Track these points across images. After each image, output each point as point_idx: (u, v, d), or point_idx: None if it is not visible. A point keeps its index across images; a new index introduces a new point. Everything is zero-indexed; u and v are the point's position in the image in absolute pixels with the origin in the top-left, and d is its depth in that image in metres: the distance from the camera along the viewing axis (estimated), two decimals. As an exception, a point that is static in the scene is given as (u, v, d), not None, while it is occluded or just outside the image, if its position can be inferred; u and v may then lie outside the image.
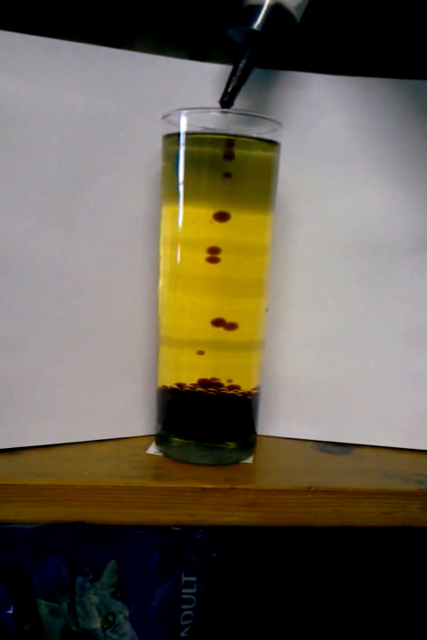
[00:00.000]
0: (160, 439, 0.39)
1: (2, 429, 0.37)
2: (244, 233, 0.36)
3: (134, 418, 0.41)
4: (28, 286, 0.37)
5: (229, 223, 0.35)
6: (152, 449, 0.39)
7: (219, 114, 0.36)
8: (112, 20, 0.47)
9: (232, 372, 0.37)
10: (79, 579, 0.47)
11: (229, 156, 0.35)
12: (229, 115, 0.36)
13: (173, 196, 0.36)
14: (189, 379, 0.37)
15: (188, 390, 0.37)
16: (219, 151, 0.35)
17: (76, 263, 0.38)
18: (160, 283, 0.38)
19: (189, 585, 0.48)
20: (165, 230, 0.37)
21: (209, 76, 0.39)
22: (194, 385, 0.36)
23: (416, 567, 0.53)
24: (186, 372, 0.37)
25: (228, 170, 0.35)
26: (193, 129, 0.35)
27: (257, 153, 0.36)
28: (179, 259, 0.36)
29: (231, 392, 0.37)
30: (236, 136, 0.35)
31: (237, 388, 0.37)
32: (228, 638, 0.50)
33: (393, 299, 0.41)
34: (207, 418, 0.37)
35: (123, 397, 0.40)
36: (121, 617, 0.48)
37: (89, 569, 0.47)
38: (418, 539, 0.52)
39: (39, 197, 0.37)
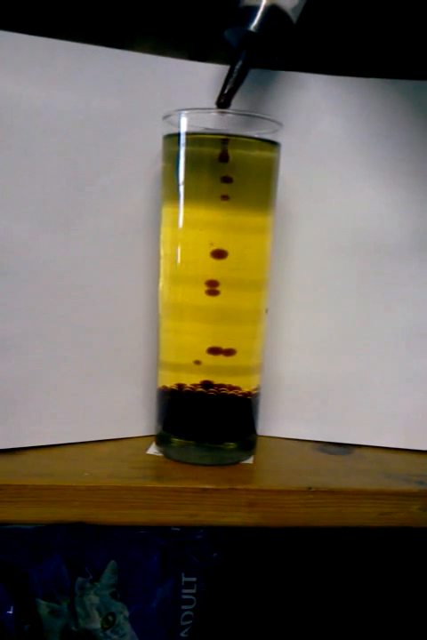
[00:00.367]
0: (160, 439, 0.39)
1: (2, 430, 0.37)
2: (244, 233, 0.36)
3: (134, 418, 0.41)
4: (28, 286, 0.37)
5: (229, 224, 0.35)
6: (152, 449, 0.39)
7: (219, 114, 0.36)
8: (113, 21, 0.47)
9: (232, 371, 0.37)
10: (79, 579, 0.47)
11: (223, 157, 0.34)
12: (230, 115, 0.36)
13: (174, 196, 0.36)
14: (190, 379, 0.37)
15: (188, 391, 0.37)
16: (221, 151, 0.35)
17: (77, 263, 0.38)
18: (160, 283, 0.38)
19: (189, 585, 0.48)
20: (166, 230, 0.37)
21: (209, 77, 0.39)
22: (194, 385, 0.36)
23: (416, 568, 0.53)
24: (186, 372, 0.37)
25: (228, 170, 0.35)
26: (193, 129, 0.35)
27: (257, 153, 0.36)
28: (179, 259, 0.36)
29: (231, 392, 0.37)
30: (236, 136, 0.35)
31: (238, 388, 0.37)
32: (228, 638, 0.50)
33: (393, 299, 0.41)
34: (207, 418, 0.37)
35: (123, 398, 0.40)
36: (121, 617, 0.48)
37: (89, 569, 0.47)
38: (418, 539, 0.52)
39: (39, 198, 0.37)
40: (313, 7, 0.37)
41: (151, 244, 0.39)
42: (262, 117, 0.36)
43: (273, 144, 0.36)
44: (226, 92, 0.35)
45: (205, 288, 0.35)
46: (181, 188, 0.35)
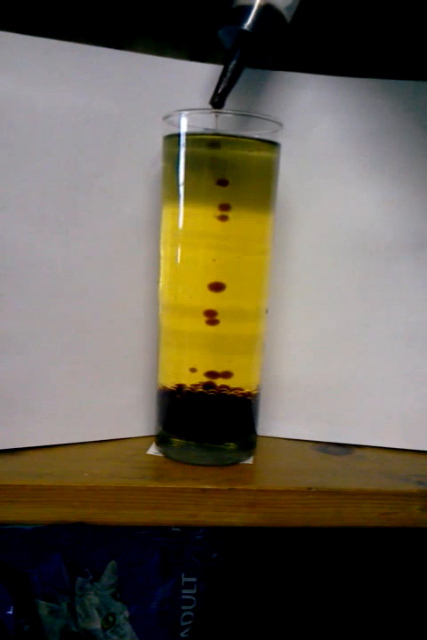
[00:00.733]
0: (160, 440, 0.39)
1: (2, 430, 0.37)
2: (244, 233, 0.36)
3: (135, 418, 0.41)
4: (28, 287, 0.37)
5: (229, 224, 0.35)
6: (152, 449, 0.39)
7: (219, 115, 0.36)
8: (113, 21, 0.47)
9: (232, 372, 0.37)
10: (79, 579, 0.47)
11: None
12: (230, 116, 0.36)
13: (174, 196, 0.36)
14: (190, 379, 0.37)
15: (188, 391, 0.37)
16: (220, 152, 0.35)
17: (77, 264, 0.38)
18: (160, 283, 0.38)
19: (189, 586, 0.48)
20: (166, 231, 0.37)
21: (209, 77, 0.39)
22: (194, 386, 0.36)
23: (416, 568, 0.53)
24: (186, 372, 0.37)
25: (228, 171, 0.35)
26: (193, 130, 0.35)
27: (257, 154, 0.36)
28: (179, 259, 0.36)
29: (231, 393, 0.37)
30: (236, 137, 0.35)
31: (238, 388, 0.37)
32: (228, 639, 0.50)
33: (393, 299, 0.41)
34: (208, 418, 0.37)
35: (123, 398, 0.41)
36: (121, 618, 0.48)
37: (89, 569, 0.47)
38: (418, 539, 0.52)
39: (40, 198, 0.37)
40: (312, 7, 0.37)
41: (151, 244, 0.39)
42: (262, 118, 0.36)
43: (273, 144, 0.36)
44: (220, 91, 0.35)
45: (206, 288, 0.36)
46: (182, 189, 0.35)
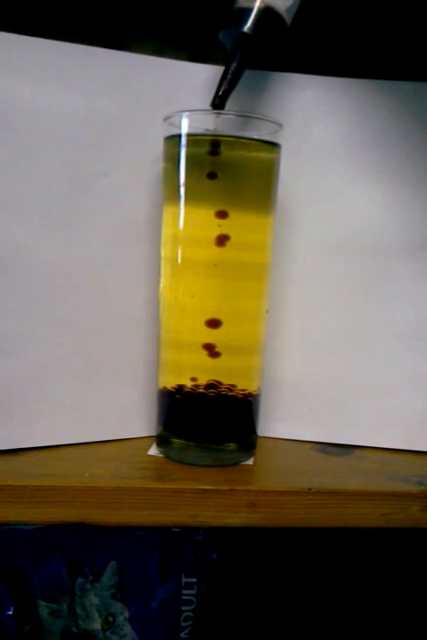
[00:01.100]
0: (161, 440, 0.39)
1: (3, 430, 0.37)
2: (244, 234, 0.36)
3: (135, 419, 0.41)
4: (29, 288, 0.37)
5: (229, 224, 0.35)
6: (153, 450, 0.39)
7: (219, 116, 0.36)
8: (113, 22, 0.47)
9: (233, 373, 0.37)
10: (79, 580, 0.47)
11: (214, 154, 0.35)
12: (230, 116, 0.36)
13: (174, 197, 0.36)
14: (190, 380, 0.37)
15: (188, 391, 0.37)
16: (220, 153, 0.35)
17: (78, 264, 0.38)
18: (161, 284, 0.38)
19: (189, 586, 0.48)
20: (166, 231, 0.37)
21: (210, 78, 0.39)
22: (195, 386, 0.36)
23: (417, 568, 0.53)
24: (187, 372, 0.37)
25: (229, 172, 0.35)
26: (194, 131, 0.35)
27: (257, 155, 0.36)
28: (180, 260, 0.36)
29: (232, 393, 0.37)
30: (236, 137, 0.35)
31: (238, 389, 0.37)
32: (228, 639, 0.50)
33: (393, 300, 0.41)
34: (208, 419, 0.37)
35: (124, 399, 0.41)
36: (121, 618, 0.48)
37: (89, 570, 0.47)
38: (418, 540, 0.52)
39: (40, 199, 0.37)
40: (312, 8, 0.37)
41: (152, 244, 0.39)
42: (262, 119, 0.36)
43: (273, 145, 0.36)
44: (221, 93, 0.35)
45: (207, 289, 0.36)
46: (182, 189, 0.35)
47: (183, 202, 0.35)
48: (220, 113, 0.36)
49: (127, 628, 0.48)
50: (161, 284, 0.38)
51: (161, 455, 0.39)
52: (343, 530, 0.36)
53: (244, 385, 0.37)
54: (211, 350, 0.36)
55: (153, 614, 0.48)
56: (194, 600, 0.48)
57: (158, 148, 0.37)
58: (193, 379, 0.36)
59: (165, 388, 0.38)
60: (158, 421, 0.39)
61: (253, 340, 0.38)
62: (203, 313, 0.36)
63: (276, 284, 0.40)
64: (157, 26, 0.48)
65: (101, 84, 0.38)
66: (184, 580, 0.48)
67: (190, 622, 0.49)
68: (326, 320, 0.42)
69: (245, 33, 0.35)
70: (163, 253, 0.38)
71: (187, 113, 0.35)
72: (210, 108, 0.36)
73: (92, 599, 0.47)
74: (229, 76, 0.35)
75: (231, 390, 0.37)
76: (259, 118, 0.36)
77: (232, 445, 0.38)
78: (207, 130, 0.35)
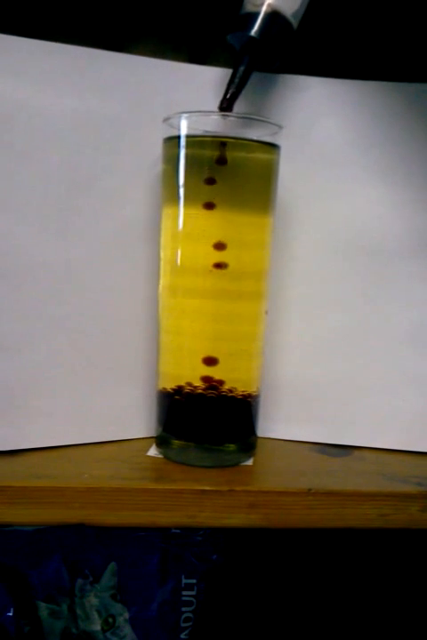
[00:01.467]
0: (160, 441, 0.39)
1: (2, 431, 0.37)
2: (244, 235, 0.36)
3: (134, 420, 0.41)
4: (29, 288, 0.37)
5: (229, 225, 0.35)
6: (152, 451, 0.39)
7: (219, 117, 0.36)
8: (113, 24, 0.47)
9: (232, 374, 0.37)
10: (79, 581, 0.47)
11: (221, 160, 0.35)
12: (230, 118, 0.36)
13: (174, 198, 0.36)
14: (190, 381, 0.37)
15: (188, 392, 0.37)
16: (219, 154, 0.35)
17: (77, 265, 0.38)
18: (160, 285, 0.38)
19: (189, 587, 0.48)
20: (166, 232, 0.37)
21: (209, 80, 0.39)
22: (194, 387, 0.36)
23: (416, 569, 0.53)
24: (186, 373, 0.37)
25: (229, 173, 0.35)
26: (193, 132, 0.35)
27: (257, 156, 0.36)
28: (179, 261, 0.36)
29: (231, 394, 0.37)
30: (236, 139, 0.35)
31: (238, 390, 0.37)
32: (228, 640, 0.50)
33: (393, 301, 0.41)
34: (207, 420, 0.37)
35: (123, 399, 0.41)
36: (121, 619, 0.48)
37: (89, 571, 0.47)
38: (418, 541, 0.52)
39: (40, 200, 0.37)
40: (313, 9, 0.37)
41: (151, 246, 0.39)
42: (262, 120, 0.36)
43: (273, 146, 0.37)
44: (228, 96, 0.36)
45: (206, 290, 0.36)
46: (181, 191, 0.35)
47: (183, 203, 0.35)
48: (219, 114, 0.36)
49: (127, 629, 0.48)
50: (160, 285, 0.38)
51: (160, 456, 0.39)
52: (343, 530, 0.36)
53: (243, 386, 0.37)
54: (210, 351, 0.36)
55: (153, 615, 0.48)
56: (194, 601, 0.48)
57: (158, 149, 0.37)
58: (192, 379, 0.36)
59: (164, 388, 0.38)
60: (158, 422, 0.39)
61: (253, 340, 0.38)
62: (202, 313, 0.36)
63: (276, 285, 0.40)
64: (156, 27, 0.48)
65: (101, 86, 0.38)
66: (184, 580, 0.48)
67: (190, 623, 0.49)
68: (326, 321, 0.42)
69: (252, 37, 0.35)
70: (162, 254, 0.38)
71: (186, 114, 0.35)
72: (212, 109, 0.36)
73: (92, 600, 0.47)
74: (236, 80, 0.36)
75: (231, 391, 0.37)
76: (259, 120, 0.36)
77: (232, 446, 0.38)
78: (207, 131, 0.35)
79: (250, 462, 0.38)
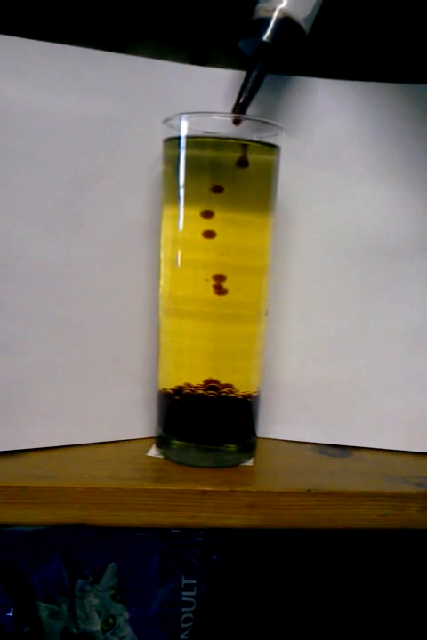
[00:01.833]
0: (160, 441, 0.39)
1: (3, 431, 0.37)
2: (244, 236, 0.36)
3: (135, 420, 0.41)
4: (29, 289, 0.37)
5: (229, 226, 0.35)
6: (152, 451, 0.39)
7: (219, 118, 0.36)
8: (113, 25, 0.47)
9: (233, 374, 0.37)
10: (79, 581, 0.47)
11: (242, 162, 0.35)
12: (230, 119, 0.36)
13: (174, 199, 0.36)
14: (190, 381, 0.37)
15: (188, 393, 0.37)
16: (220, 155, 0.35)
17: (77, 266, 0.39)
18: (161, 286, 0.38)
19: (189, 588, 0.48)
20: (166, 233, 0.37)
21: (210, 80, 0.39)
22: (194, 388, 0.36)
23: (416, 569, 0.53)
24: (186, 374, 0.37)
25: (229, 174, 0.35)
26: (194, 133, 0.35)
27: (258, 157, 0.36)
28: (179, 262, 0.36)
29: (231, 395, 0.37)
30: (236, 140, 0.35)
31: (238, 390, 0.37)
32: (228, 641, 0.50)
33: (393, 302, 0.41)
34: (208, 420, 0.37)
35: (123, 400, 0.41)
36: (121, 619, 0.48)
37: (89, 571, 0.47)
38: (417, 541, 0.52)
39: (40, 201, 0.37)
40: (313, 23, 0.37)
41: (152, 246, 0.39)
42: (263, 121, 0.36)
43: (273, 147, 0.37)
44: (241, 101, 0.36)
45: (207, 291, 0.36)
46: (182, 191, 0.35)
47: (183, 204, 0.36)
48: (220, 115, 0.36)
49: (127, 630, 0.48)
50: (161, 286, 0.38)
51: (161, 456, 0.39)
52: (342, 530, 0.36)
53: (244, 386, 0.37)
54: (211, 351, 0.36)
55: (153, 616, 0.48)
56: (194, 601, 0.48)
57: (158, 150, 0.37)
58: (193, 380, 0.36)
59: (164, 389, 0.38)
60: (158, 422, 0.39)
61: (253, 341, 0.38)
62: (202, 314, 0.36)
63: (276, 285, 0.40)
64: (157, 28, 0.48)
65: (101, 87, 0.38)
66: (184, 581, 0.48)
67: (190, 624, 0.49)
68: (326, 322, 0.42)
69: (264, 42, 0.36)
70: (162, 255, 0.38)
71: (186, 115, 0.35)
72: (211, 107, 0.36)
73: (92, 600, 0.47)
74: (249, 84, 0.36)
75: (231, 392, 0.37)
76: (259, 121, 0.36)
77: (232, 446, 0.38)
78: (207, 132, 0.35)
79: (250, 463, 0.38)
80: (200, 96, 0.39)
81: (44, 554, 0.47)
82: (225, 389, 0.37)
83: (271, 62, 0.37)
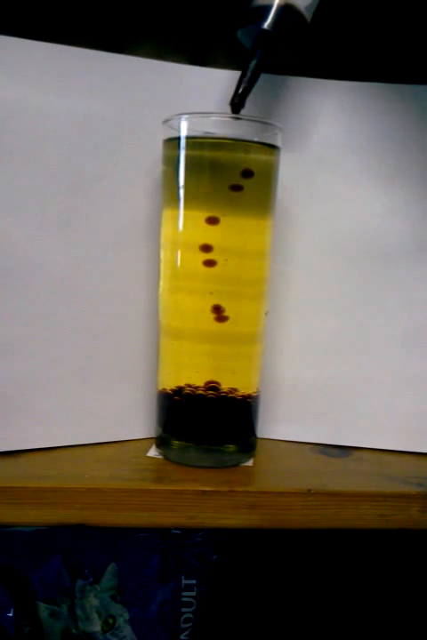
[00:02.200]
0: (160, 442, 0.39)
1: (3, 432, 0.37)
2: (244, 237, 0.36)
3: (134, 421, 0.41)
4: (29, 290, 0.37)
5: (229, 226, 0.35)
6: (152, 452, 0.39)
7: (219, 118, 0.36)
8: (113, 25, 0.47)
9: (232, 375, 0.37)
10: (79, 581, 0.47)
11: (247, 173, 0.35)
12: (230, 119, 0.36)
13: (174, 199, 0.36)
14: (189, 382, 0.37)
15: (188, 393, 0.37)
16: (219, 155, 0.35)
17: (77, 267, 0.39)
18: (160, 286, 0.38)
19: (189, 588, 0.48)
20: (166, 234, 0.37)
21: (210, 81, 0.39)
22: (194, 388, 0.37)
23: (416, 569, 0.53)
24: (186, 374, 0.37)
25: (228, 174, 0.35)
26: (193, 133, 0.35)
27: (257, 157, 0.37)
28: (179, 262, 0.36)
29: (231, 395, 0.37)
30: (236, 140, 0.35)
31: (238, 391, 0.37)
32: (228, 641, 0.50)
33: (392, 302, 0.41)
34: (207, 420, 0.37)
35: (123, 400, 0.41)
36: (121, 620, 0.48)
37: (89, 572, 0.47)
38: (417, 541, 0.52)
39: (40, 201, 0.37)
40: (315, 11, 0.37)
41: (151, 247, 0.39)
42: (262, 122, 0.36)
43: (273, 148, 0.37)
44: (240, 92, 0.35)
45: (206, 292, 0.36)
46: (181, 192, 0.35)
47: (183, 204, 0.36)
48: (220, 116, 0.36)
49: (127, 630, 0.48)
50: (160, 287, 0.38)
51: (160, 456, 0.39)
52: (342, 531, 0.36)
53: (243, 387, 0.37)
54: (210, 352, 0.36)
55: (153, 616, 0.48)
56: (194, 602, 0.48)
57: (158, 150, 0.37)
58: (192, 380, 0.36)
59: (164, 389, 0.38)
60: (158, 423, 0.39)
61: (253, 341, 0.38)
62: (202, 314, 0.36)
63: (276, 286, 0.40)
64: (157, 29, 0.48)
65: (101, 87, 0.38)
66: (184, 581, 0.48)
67: (190, 624, 0.49)
68: (326, 322, 0.42)
69: (265, 30, 0.34)
70: (162, 256, 0.38)
71: (186, 116, 0.35)
72: (211, 108, 0.36)
73: (92, 601, 0.47)
74: (248, 74, 0.34)
75: (231, 392, 0.37)
76: (259, 121, 0.36)
77: (232, 447, 0.38)
78: (207, 132, 0.35)
79: (250, 463, 0.38)
80: (200, 96, 0.39)
81: (44, 554, 0.47)
82: (225, 390, 0.37)
83: (271, 52, 0.35)
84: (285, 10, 0.34)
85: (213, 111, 0.36)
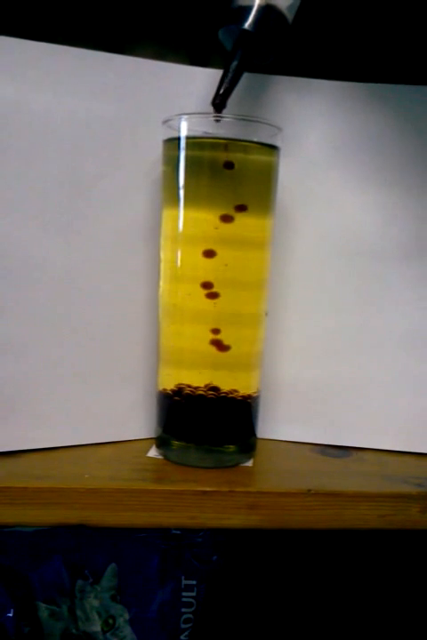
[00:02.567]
0: (160, 442, 0.39)
1: (3, 432, 0.37)
2: (244, 237, 0.36)
3: (135, 421, 0.41)
4: (29, 290, 0.37)
5: (229, 227, 0.35)
6: (152, 452, 0.39)
7: (219, 119, 0.36)
8: (113, 26, 0.47)
9: (232, 376, 0.37)
10: (79, 582, 0.47)
11: (228, 165, 0.35)
12: (229, 119, 0.36)
13: (174, 199, 0.36)
14: (190, 382, 0.37)
15: (188, 394, 0.37)
16: (219, 155, 0.35)
17: (77, 267, 0.39)
18: (160, 286, 0.38)
19: (189, 588, 0.48)
20: (166, 234, 0.37)
21: (210, 82, 0.39)
22: (194, 388, 0.37)
23: (416, 570, 0.53)
24: (186, 375, 0.37)
25: (228, 174, 0.35)
26: (193, 133, 0.35)
27: (257, 157, 0.37)
28: (179, 262, 0.36)
29: (231, 395, 0.37)
30: (236, 140, 0.35)
31: (238, 391, 0.37)
32: (228, 641, 0.50)
33: (392, 303, 0.41)
34: (207, 421, 0.37)
35: (123, 400, 0.41)
36: (121, 620, 0.48)
37: (89, 572, 0.47)
38: (417, 541, 0.52)
39: (40, 202, 0.37)
40: (312, 12, 0.37)
41: (151, 247, 0.39)
42: (262, 122, 0.36)
43: (272, 148, 0.37)
44: (221, 92, 0.34)
45: (205, 291, 0.36)
46: (181, 192, 0.35)
47: (183, 204, 0.36)
48: (219, 116, 0.36)
49: (127, 630, 0.48)
50: (160, 287, 0.38)
51: (161, 457, 0.39)
52: (342, 531, 0.36)
53: (243, 387, 0.37)
54: (210, 352, 0.36)
55: (153, 616, 0.48)
56: (194, 602, 0.48)
57: (158, 150, 0.37)
58: (193, 380, 0.36)
59: (164, 389, 0.38)
60: (158, 423, 0.39)
61: (253, 342, 0.38)
62: (202, 315, 0.36)
63: (275, 286, 0.40)
64: (157, 29, 0.48)
65: (101, 88, 0.38)
66: (184, 582, 0.48)
67: (190, 624, 0.49)
68: (326, 323, 0.42)
69: (246, 30, 0.34)
70: (162, 256, 0.38)
71: (186, 116, 0.35)
72: (210, 110, 0.35)
73: (92, 601, 0.47)
74: (230, 75, 0.34)
75: (231, 392, 0.37)
76: (258, 121, 0.36)
77: (232, 447, 0.38)
78: (206, 133, 0.35)
79: (250, 463, 0.38)
80: (200, 97, 0.39)
81: (44, 554, 0.46)
82: (225, 390, 0.37)
83: (252, 52, 0.35)
84: (266, 10, 0.34)
85: (212, 112, 0.36)
